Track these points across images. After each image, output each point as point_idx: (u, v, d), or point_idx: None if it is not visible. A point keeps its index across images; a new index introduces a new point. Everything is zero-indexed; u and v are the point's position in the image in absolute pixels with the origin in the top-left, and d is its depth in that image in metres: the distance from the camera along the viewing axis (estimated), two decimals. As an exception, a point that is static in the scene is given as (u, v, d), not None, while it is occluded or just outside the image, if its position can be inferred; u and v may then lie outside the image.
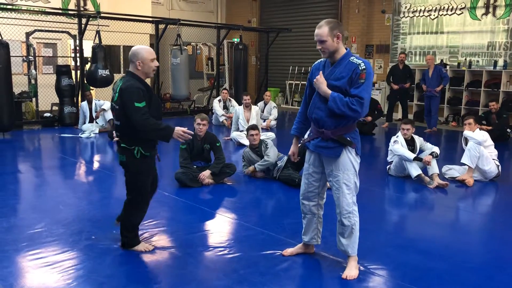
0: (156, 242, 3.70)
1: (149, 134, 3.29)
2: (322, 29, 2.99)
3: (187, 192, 5.09)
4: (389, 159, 6.06)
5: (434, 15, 11.34)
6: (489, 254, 3.69)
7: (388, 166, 6.09)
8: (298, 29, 13.74)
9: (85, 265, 3.27)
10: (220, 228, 4.15)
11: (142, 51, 3.28)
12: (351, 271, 3.16)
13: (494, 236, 4.09)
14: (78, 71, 9.98)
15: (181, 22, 11.19)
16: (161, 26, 11.24)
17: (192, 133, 3.33)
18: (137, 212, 3.50)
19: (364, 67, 2.95)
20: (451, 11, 11.06)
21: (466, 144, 5.81)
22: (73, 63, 10.38)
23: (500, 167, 5.79)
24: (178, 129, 3.28)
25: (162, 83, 11.96)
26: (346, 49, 3.07)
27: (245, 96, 8.45)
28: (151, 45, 12.45)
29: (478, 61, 10.73)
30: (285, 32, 13.29)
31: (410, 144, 5.84)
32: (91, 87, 10.20)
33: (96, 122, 9.17)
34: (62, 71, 9.71)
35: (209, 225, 4.23)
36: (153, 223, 4.12)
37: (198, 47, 13.81)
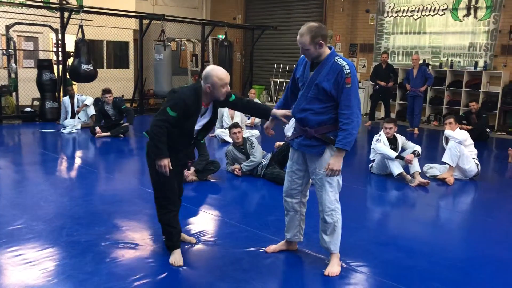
0: (138, 239, 3.67)
1: (149, 139, 3.17)
2: (304, 38, 2.97)
3: (171, 189, 5.06)
4: (371, 157, 6.12)
5: (417, 15, 11.47)
6: (469, 251, 3.75)
7: (370, 165, 6.15)
8: (283, 27, 13.77)
9: (66, 262, 3.24)
10: (203, 225, 4.14)
11: (213, 77, 3.06)
12: (333, 267, 3.19)
13: (474, 234, 4.16)
14: (60, 66, 9.84)
15: (166, 17, 11.11)
16: (145, 22, 11.14)
17: (168, 175, 3.12)
18: (162, 211, 3.31)
19: (348, 70, 2.95)
20: (433, 11, 11.20)
21: (447, 143, 5.90)
22: (55, 58, 10.22)
23: (479, 166, 5.89)
24: (166, 163, 3.08)
25: (146, 79, 11.86)
26: (331, 48, 3.08)
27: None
28: (135, 40, 12.36)
29: (459, 62, 10.89)
30: (270, 30, 13.30)
31: (392, 142, 5.91)
32: (73, 82, 10.07)
33: (79, 118, 9.06)
34: (43, 65, 9.56)
35: (193, 222, 4.21)
36: (136, 220, 4.09)
37: (182, 43, 13.73)
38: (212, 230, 4.01)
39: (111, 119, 8.28)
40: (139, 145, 8.02)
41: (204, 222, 4.24)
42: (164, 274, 3.11)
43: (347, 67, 2.96)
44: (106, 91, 8.19)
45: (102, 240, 3.61)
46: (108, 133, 8.10)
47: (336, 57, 3.03)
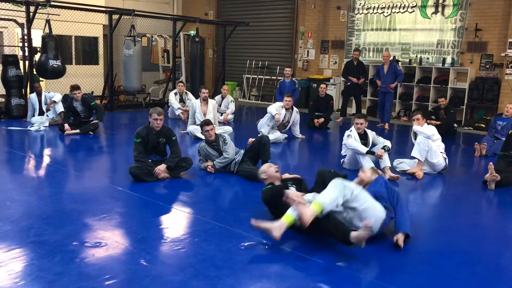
0: (109, 238, 3.61)
1: None
2: None
3: (142, 187, 5.00)
4: (343, 152, 6.19)
5: (387, 12, 11.65)
6: (437, 243, 3.84)
7: (342, 160, 6.23)
8: (255, 23, 13.76)
9: (34, 262, 3.16)
10: (176, 222, 4.10)
11: None
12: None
13: (442, 226, 4.26)
14: (27, 62, 9.56)
15: (136, 12, 10.92)
16: (115, 17, 10.93)
17: None
18: None
19: None
20: (403, 9, 11.40)
21: (415, 139, 6.02)
22: (20, 53, 9.92)
23: (447, 160, 6.04)
24: None
25: (116, 75, 11.66)
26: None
27: (204, 89, 8.36)
28: (105, 36, 12.13)
29: (428, 58, 11.13)
30: (242, 26, 13.26)
31: (363, 138, 5.99)
32: (40, 79, 9.80)
33: (47, 115, 8.83)
34: (8, 61, 9.26)
35: (165, 220, 4.17)
36: (106, 219, 4.02)
37: (153, 38, 13.54)
38: (184, 228, 3.98)
39: (80, 116, 8.11)
40: (109, 143, 7.89)
41: (176, 219, 4.20)
42: (136, 273, 3.07)
43: None
44: (75, 87, 8.00)
45: (72, 239, 3.54)
46: (77, 130, 7.92)
47: None
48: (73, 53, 12.32)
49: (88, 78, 11.88)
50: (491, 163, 5.43)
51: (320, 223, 3.44)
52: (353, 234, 3.31)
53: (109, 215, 4.11)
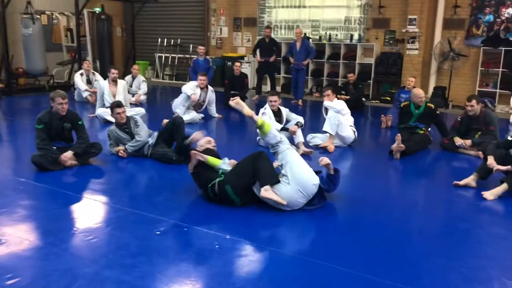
0: (10, 234, 3.32)
1: None
2: None
3: (47, 176, 4.66)
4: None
5: (296, -11, 11.79)
6: (349, 213, 4.00)
7: (258, 138, 6.26)
8: (166, 0, 13.27)
9: None
10: (87, 212, 3.87)
11: None
12: None
13: (354, 196, 4.43)
14: None
15: (31, -13, 10.03)
16: (7, -8, 9.96)
17: None
18: None
19: None
20: (312, -14, 11.61)
21: (326, 114, 6.21)
22: None
23: (356, 133, 6.31)
24: None
25: (13, 57, 10.70)
26: None
27: (113, 69, 7.93)
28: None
29: (337, 35, 11.49)
30: (151, 3, 12.74)
31: (277, 115, 6.07)
32: None
33: None
34: None
35: (75, 210, 3.94)
36: (6, 213, 3.69)
37: (54, 16, 12.57)
38: (96, 217, 3.77)
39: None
40: (9, 130, 7.26)
41: (87, 209, 3.97)
42: (43, 269, 2.86)
43: None
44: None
45: (-34, 239, 3.21)
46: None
47: None
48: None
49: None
50: (399, 134, 5.75)
51: (258, 161, 3.79)
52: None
53: (10, 209, 3.78)
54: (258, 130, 4.21)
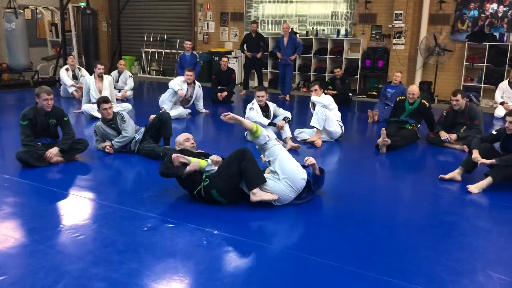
0: (-5, 231, 3.29)
1: None
2: None
3: (33, 173, 4.61)
4: (246, 125, 6.22)
5: (283, -16, 11.77)
6: (336, 207, 4.03)
7: (245, 133, 6.25)
8: (151, -5, 13.17)
9: None
10: (73, 209, 3.84)
11: None
12: None
13: (341, 191, 4.46)
14: None
15: (15, -19, 9.88)
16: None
17: None
18: None
19: None
20: (299, -19, 11.60)
21: (314, 109, 6.23)
22: None
23: (343, 128, 6.35)
24: None
25: (-3, 52, 10.55)
26: None
27: (99, 65, 7.85)
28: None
29: (324, 30, 11.51)
30: (137, -3, 12.63)
31: (265, 110, 6.07)
32: None
33: None
34: None
35: (61, 207, 3.89)
36: (-9, 211, 3.65)
37: (38, 11, 12.40)
38: (83, 214, 3.73)
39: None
40: (-7, 127, 7.15)
41: (73, 205, 3.93)
42: (29, 266, 2.83)
43: None
44: None
45: (-50, 237, 3.16)
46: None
47: None
48: None
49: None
50: (383, 128, 5.80)
51: (244, 162, 3.74)
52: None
53: (-5, 207, 3.74)
54: (249, 133, 4.11)
